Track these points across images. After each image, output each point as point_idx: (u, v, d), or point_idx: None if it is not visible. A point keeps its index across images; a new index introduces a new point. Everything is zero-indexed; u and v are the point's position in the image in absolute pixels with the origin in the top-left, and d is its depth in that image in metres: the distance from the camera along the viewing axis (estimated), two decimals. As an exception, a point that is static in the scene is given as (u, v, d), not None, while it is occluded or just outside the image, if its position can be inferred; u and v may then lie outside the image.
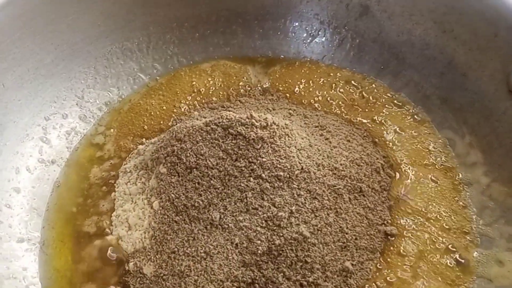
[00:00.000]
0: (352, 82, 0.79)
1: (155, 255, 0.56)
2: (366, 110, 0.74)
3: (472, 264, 0.58)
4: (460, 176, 0.66)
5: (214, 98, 0.77)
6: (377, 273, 0.56)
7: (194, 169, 0.58)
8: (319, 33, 0.83)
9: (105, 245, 0.60)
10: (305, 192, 0.57)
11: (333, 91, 0.77)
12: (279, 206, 0.56)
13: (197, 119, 0.68)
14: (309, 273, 0.53)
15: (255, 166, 0.57)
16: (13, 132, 0.66)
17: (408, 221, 0.61)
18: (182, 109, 0.75)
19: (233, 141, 0.58)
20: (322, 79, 0.79)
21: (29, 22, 0.67)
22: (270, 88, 0.78)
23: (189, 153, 0.59)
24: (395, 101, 0.76)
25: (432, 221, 0.61)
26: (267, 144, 0.58)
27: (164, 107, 0.76)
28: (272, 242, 0.54)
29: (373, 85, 0.78)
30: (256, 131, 0.58)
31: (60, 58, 0.72)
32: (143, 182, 0.62)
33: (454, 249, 0.59)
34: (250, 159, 0.57)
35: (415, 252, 0.58)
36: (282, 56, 0.84)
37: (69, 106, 0.74)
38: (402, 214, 0.62)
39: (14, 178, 0.65)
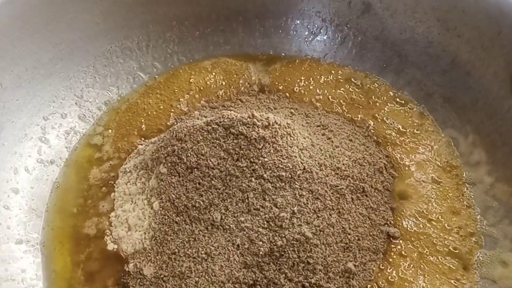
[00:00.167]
0: (354, 80, 0.78)
1: (155, 256, 0.55)
2: (368, 108, 0.74)
3: (476, 265, 0.57)
4: (464, 175, 0.65)
5: (214, 97, 0.76)
6: (379, 274, 0.56)
7: (195, 169, 0.57)
8: (321, 31, 0.82)
9: (104, 246, 0.59)
10: (307, 192, 0.57)
11: (334, 89, 0.77)
12: (281, 206, 0.55)
13: (198, 119, 0.68)
14: (311, 274, 0.53)
15: (256, 166, 0.56)
16: (11, 132, 0.66)
17: (410, 222, 0.60)
18: (181, 108, 0.75)
19: (235, 141, 0.57)
20: (323, 77, 0.78)
21: (27, 21, 0.66)
22: (270, 86, 0.77)
23: (190, 153, 0.58)
24: (398, 100, 0.75)
25: (434, 221, 0.60)
26: (269, 144, 0.57)
27: (162, 106, 0.75)
28: (274, 243, 0.53)
29: (375, 83, 0.77)
30: (258, 130, 0.57)
31: (59, 57, 0.71)
32: (143, 182, 0.61)
33: (457, 250, 0.58)
34: (251, 159, 0.57)
35: (416, 253, 0.58)
36: (283, 54, 0.83)
37: (68, 105, 0.73)
38: (404, 215, 0.61)
39: (12, 178, 0.64)
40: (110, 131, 0.73)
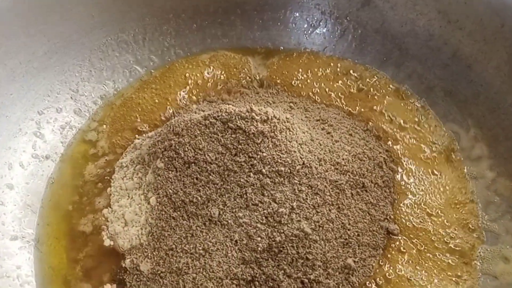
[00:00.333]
0: (353, 73, 0.77)
1: (152, 252, 0.55)
2: (367, 102, 0.73)
3: (477, 261, 0.56)
4: (465, 170, 0.65)
5: (211, 91, 0.75)
6: (377, 270, 0.55)
7: (193, 164, 0.56)
8: (320, 23, 0.81)
9: (101, 242, 0.58)
10: (306, 187, 0.56)
11: (332, 82, 0.75)
12: (280, 202, 0.54)
13: (196, 113, 0.66)
14: (311, 271, 0.52)
15: (255, 161, 0.55)
16: (5, 127, 0.65)
17: (410, 218, 0.60)
18: (177, 103, 0.73)
19: (233, 135, 0.56)
20: (321, 71, 0.77)
21: (21, 14, 0.65)
22: (268, 80, 0.76)
23: (187, 147, 0.57)
24: (398, 93, 0.74)
25: (434, 217, 0.60)
26: (267, 138, 0.56)
27: (157, 101, 0.74)
28: (273, 239, 0.53)
29: (375, 77, 0.76)
30: (256, 125, 0.56)
31: (53, 50, 0.69)
32: (139, 177, 0.61)
33: (458, 246, 0.57)
34: (250, 154, 0.56)
35: (416, 249, 0.57)
36: (282, 48, 0.82)
37: (63, 99, 0.72)
38: (403, 211, 0.60)
39: (6, 174, 0.63)
40: (104, 126, 0.71)
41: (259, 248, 0.52)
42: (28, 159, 0.66)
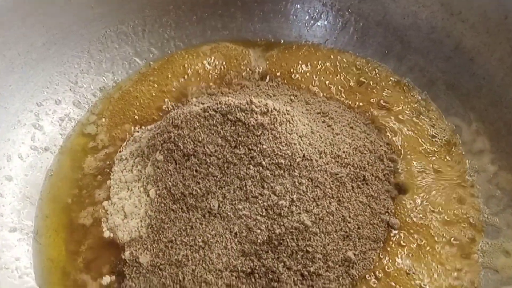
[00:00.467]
0: (354, 66, 0.76)
1: (151, 244, 0.55)
2: (367, 95, 0.72)
3: (478, 254, 0.56)
4: (467, 164, 0.64)
5: (211, 84, 0.75)
6: (377, 263, 0.55)
7: (192, 156, 0.56)
8: (322, 16, 0.80)
9: (100, 234, 0.58)
10: (306, 180, 0.56)
11: (332, 75, 0.75)
12: (280, 194, 0.54)
13: (195, 105, 0.66)
14: (311, 263, 0.52)
15: (255, 154, 0.55)
16: (4, 118, 0.64)
17: (410, 211, 0.59)
18: (176, 95, 0.73)
19: (232, 128, 0.56)
20: (321, 63, 0.77)
21: (19, 3, 0.64)
22: (268, 72, 0.76)
23: (187, 139, 0.57)
24: (399, 86, 0.73)
25: (435, 211, 0.59)
26: (267, 130, 0.56)
27: (155, 94, 0.73)
28: (273, 231, 0.52)
29: (376, 70, 0.76)
30: (256, 117, 0.56)
31: (52, 41, 0.69)
32: (139, 169, 0.60)
33: (459, 240, 0.57)
34: (249, 146, 0.55)
35: (416, 243, 0.57)
36: (283, 40, 0.81)
37: (62, 91, 0.71)
38: (404, 204, 0.60)
39: (5, 166, 0.63)
40: (103, 120, 0.71)
41: (259, 241, 0.52)
42: (27, 151, 0.66)
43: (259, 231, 0.53)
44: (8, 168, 0.63)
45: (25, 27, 0.65)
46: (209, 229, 0.54)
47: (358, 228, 0.56)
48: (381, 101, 0.71)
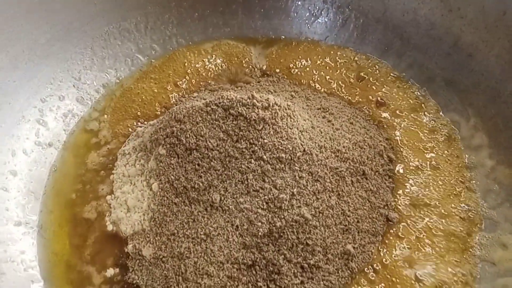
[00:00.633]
0: (354, 62, 0.77)
1: (154, 237, 0.55)
2: (368, 91, 0.73)
3: (476, 247, 0.57)
4: (465, 159, 0.65)
5: (212, 81, 0.75)
6: (375, 255, 0.56)
7: (194, 151, 0.57)
8: (322, 12, 0.81)
9: (104, 228, 0.59)
10: (307, 174, 0.56)
11: (332, 71, 0.76)
12: (281, 188, 0.55)
13: (197, 100, 0.67)
14: (310, 256, 0.53)
15: (256, 148, 0.56)
16: (9, 114, 0.65)
17: (409, 205, 0.60)
18: (177, 92, 0.74)
19: (234, 122, 0.57)
20: (320, 59, 0.77)
21: (22, 0, 0.65)
22: (268, 69, 0.76)
23: (189, 134, 0.57)
24: (399, 83, 0.74)
25: (433, 205, 0.60)
26: (268, 125, 0.57)
27: (156, 90, 0.74)
28: (273, 224, 0.53)
29: (376, 66, 0.76)
30: (258, 111, 0.57)
31: (56, 38, 0.70)
32: (142, 164, 0.61)
33: (457, 233, 0.58)
34: (251, 141, 0.56)
35: (415, 236, 0.57)
36: (283, 37, 0.82)
37: (66, 87, 0.72)
38: (402, 198, 0.61)
39: (10, 161, 0.64)
40: (105, 116, 0.72)
41: (260, 233, 0.53)
42: (31, 146, 0.67)
43: (260, 224, 0.53)
44: (13, 163, 0.64)
45: (29, 24, 0.66)
46: (211, 222, 0.55)
47: (358, 221, 0.57)
48: (381, 97, 0.72)
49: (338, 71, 0.76)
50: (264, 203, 0.54)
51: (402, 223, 0.59)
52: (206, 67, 0.77)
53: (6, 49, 0.64)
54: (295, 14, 0.81)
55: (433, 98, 0.71)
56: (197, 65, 0.77)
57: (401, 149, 0.66)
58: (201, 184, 0.56)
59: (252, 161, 0.56)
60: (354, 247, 0.55)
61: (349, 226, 0.56)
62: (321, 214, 0.55)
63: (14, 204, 0.62)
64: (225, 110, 0.57)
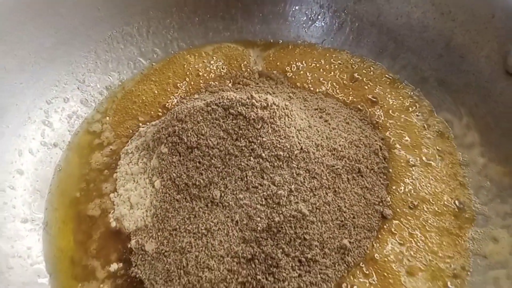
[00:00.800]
0: (349, 64, 0.79)
1: (156, 232, 0.57)
2: (362, 91, 0.75)
3: (468, 242, 0.58)
4: (458, 157, 0.67)
5: (212, 82, 0.77)
6: (370, 251, 0.57)
7: (195, 149, 0.59)
8: (319, 17, 0.83)
9: (107, 225, 0.61)
10: (304, 171, 0.58)
11: (327, 72, 0.77)
12: (279, 184, 0.56)
13: (198, 101, 0.69)
14: (308, 250, 0.54)
15: (255, 146, 0.58)
16: (15, 115, 0.67)
17: (402, 202, 0.62)
18: (177, 94, 0.75)
19: (234, 121, 0.59)
20: (316, 61, 0.79)
21: (30, 5, 0.67)
22: (266, 72, 0.78)
23: (190, 133, 0.59)
24: (393, 84, 0.76)
25: (426, 201, 0.62)
26: (267, 124, 0.58)
27: (156, 92, 0.76)
28: (272, 220, 0.55)
29: (371, 68, 0.78)
30: (257, 111, 0.58)
31: (61, 42, 0.72)
32: (144, 162, 0.63)
33: (449, 229, 0.59)
34: (250, 139, 0.58)
35: (408, 232, 0.59)
36: (281, 41, 0.84)
37: (71, 90, 0.74)
38: (396, 196, 0.62)
39: (17, 160, 0.66)
40: (108, 118, 0.74)
41: (259, 228, 0.54)
42: (37, 146, 0.68)
43: (259, 219, 0.55)
44: (20, 163, 0.66)
45: (36, 28, 0.68)
46: (211, 217, 0.56)
47: (353, 217, 0.58)
48: (375, 97, 0.74)
49: (332, 73, 0.78)
50: (263, 199, 0.56)
51: (396, 219, 0.60)
52: (206, 68, 0.79)
53: (14, 52, 0.66)
54: (293, 19, 0.84)
55: (426, 98, 0.74)
56: (196, 67, 0.79)
57: (395, 147, 0.67)
58: (202, 181, 0.57)
59: (251, 158, 0.57)
60: (350, 242, 0.56)
61: (345, 222, 0.57)
62: (318, 210, 0.56)
63: (21, 202, 0.63)
64: (225, 110, 0.59)
